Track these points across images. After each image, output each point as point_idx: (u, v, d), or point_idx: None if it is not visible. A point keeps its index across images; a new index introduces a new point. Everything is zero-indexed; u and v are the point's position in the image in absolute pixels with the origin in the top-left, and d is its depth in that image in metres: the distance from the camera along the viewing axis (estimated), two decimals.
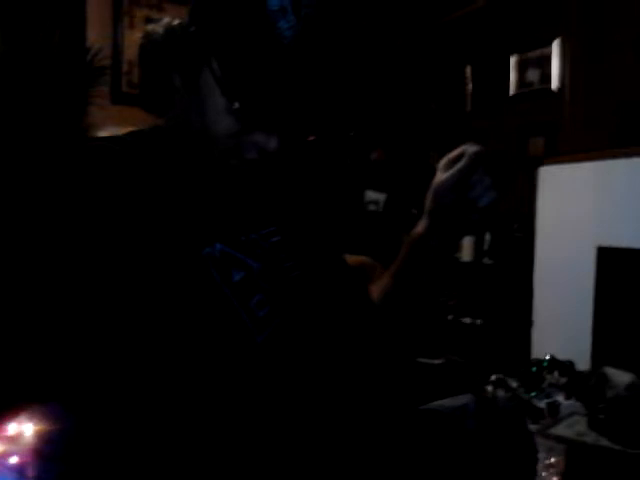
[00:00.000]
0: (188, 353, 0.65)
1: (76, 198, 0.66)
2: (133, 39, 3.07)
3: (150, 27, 0.76)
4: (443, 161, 0.88)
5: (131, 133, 0.81)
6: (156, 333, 0.65)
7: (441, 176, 0.87)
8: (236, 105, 0.69)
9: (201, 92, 0.72)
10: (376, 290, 0.96)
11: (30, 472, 0.82)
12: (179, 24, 0.73)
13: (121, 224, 0.66)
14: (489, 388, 1.95)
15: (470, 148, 0.85)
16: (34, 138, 2.19)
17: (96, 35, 2.89)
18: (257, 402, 0.67)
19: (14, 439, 0.96)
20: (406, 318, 0.98)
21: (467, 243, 2.97)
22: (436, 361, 2.09)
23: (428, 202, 0.90)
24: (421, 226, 0.91)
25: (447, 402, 1.00)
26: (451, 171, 0.86)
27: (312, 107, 0.72)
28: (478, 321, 2.64)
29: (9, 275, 0.61)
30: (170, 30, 0.74)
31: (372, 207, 3.52)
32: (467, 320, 2.67)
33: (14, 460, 0.91)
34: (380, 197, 3.52)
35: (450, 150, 0.88)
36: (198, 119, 0.73)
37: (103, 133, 2.30)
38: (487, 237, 2.90)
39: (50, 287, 0.60)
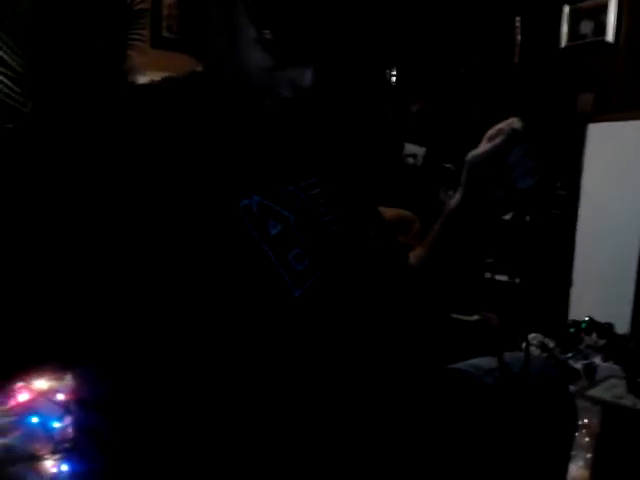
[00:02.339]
0: (224, 309, 0.64)
1: (108, 147, 0.63)
2: None
3: None
4: (490, 131, 0.84)
5: (166, 79, 0.78)
6: (190, 290, 0.63)
7: (479, 148, 0.84)
8: (267, 35, 0.66)
9: (235, 26, 0.69)
10: (412, 260, 0.95)
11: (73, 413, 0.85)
12: None
13: (155, 177, 0.64)
14: (525, 347, 1.93)
15: (512, 124, 0.81)
16: (74, 80, 2.19)
17: None
18: (294, 356, 0.66)
19: (60, 376, 0.98)
20: (441, 288, 0.96)
21: None
22: (472, 318, 2.08)
23: (464, 174, 0.87)
24: (456, 199, 0.88)
25: (482, 361, 0.98)
26: (487, 145, 0.83)
27: (347, 39, 0.69)
28: (516, 279, 2.60)
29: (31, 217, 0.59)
30: None
31: (410, 160, 3.46)
32: (504, 278, 2.64)
33: (60, 397, 0.94)
34: (419, 151, 3.45)
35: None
36: (233, 57, 0.70)
37: (143, 78, 2.28)
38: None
39: (80, 236, 0.58)
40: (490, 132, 0.84)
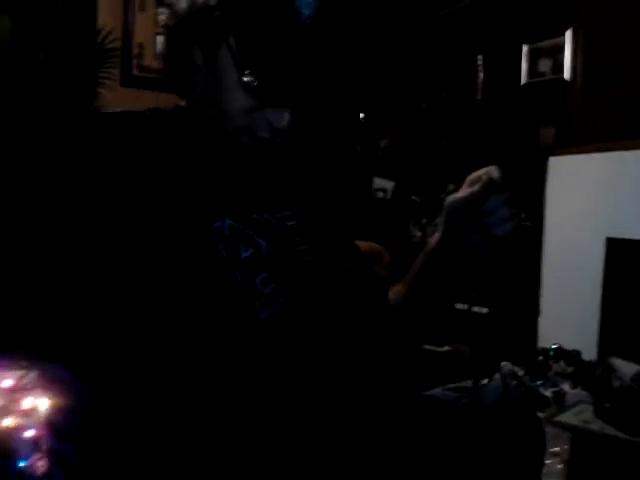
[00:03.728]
0: (191, 324, 0.66)
1: (87, 170, 0.67)
2: (144, 22, 3.05)
3: (174, 2, 0.76)
4: (470, 177, 0.86)
5: (152, 109, 0.82)
6: (159, 304, 0.66)
7: (458, 193, 0.86)
8: (248, 78, 0.69)
9: (218, 67, 0.73)
10: (392, 295, 0.97)
11: (45, 446, 0.84)
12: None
13: (130, 197, 0.67)
14: (495, 376, 1.95)
15: (490, 173, 0.83)
16: (44, 119, 2.19)
17: (107, 17, 2.88)
18: (257, 376, 0.68)
19: (29, 413, 0.97)
20: (418, 322, 0.98)
21: None
22: (442, 349, 2.10)
23: (442, 216, 0.89)
24: (435, 239, 0.91)
25: (453, 388, 1.00)
26: (465, 192, 0.85)
27: (323, 84, 0.72)
28: (485, 310, 2.64)
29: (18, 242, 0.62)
30: (192, 5, 0.74)
31: (380, 194, 3.52)
32: (474, 309, 2.68)
33: (29, 433, 0.92)
34: (388, 185, 3.51)
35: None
36: (215, 96, 0.74)
37: None
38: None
39: (59, 256, 0.62)
40: (470, 177, 0.86)
